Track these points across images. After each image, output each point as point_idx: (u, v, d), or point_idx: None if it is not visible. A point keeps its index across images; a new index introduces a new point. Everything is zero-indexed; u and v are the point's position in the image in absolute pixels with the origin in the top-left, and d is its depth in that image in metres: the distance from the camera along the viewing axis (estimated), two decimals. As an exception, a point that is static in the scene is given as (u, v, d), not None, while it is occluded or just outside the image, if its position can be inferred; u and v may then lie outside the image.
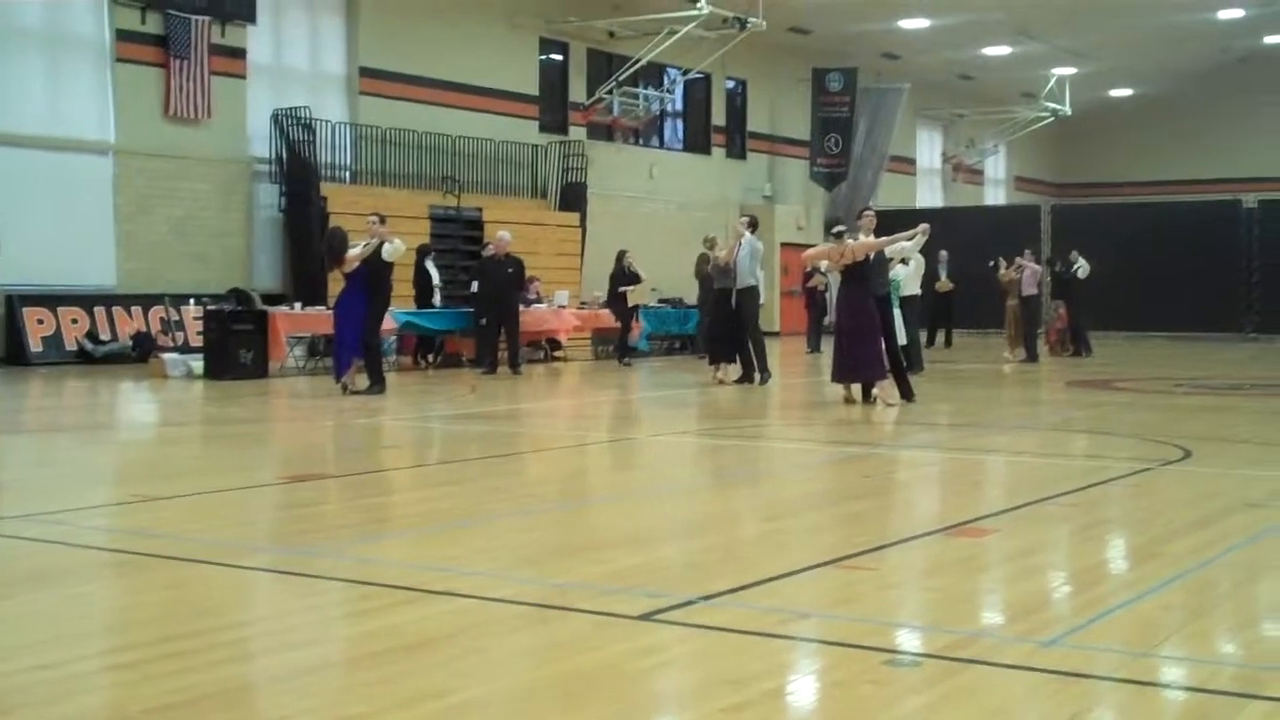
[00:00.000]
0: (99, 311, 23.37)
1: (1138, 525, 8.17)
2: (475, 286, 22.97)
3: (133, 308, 23.76)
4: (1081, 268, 26.46)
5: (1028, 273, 25.36)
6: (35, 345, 22.43)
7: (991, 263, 26.19)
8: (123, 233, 24.06)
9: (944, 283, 29.27)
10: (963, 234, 31.65)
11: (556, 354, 25.86)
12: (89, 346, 22.85)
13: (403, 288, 21.99)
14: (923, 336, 24.81)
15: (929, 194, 48.25)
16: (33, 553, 7.10)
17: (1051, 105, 45.70)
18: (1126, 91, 49.47)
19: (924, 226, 17.12)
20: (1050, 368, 23.90)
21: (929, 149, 48.76)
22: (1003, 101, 47.05)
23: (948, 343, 30.36)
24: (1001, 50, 41.75)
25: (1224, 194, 40.00)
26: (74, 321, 23.01)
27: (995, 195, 51.91)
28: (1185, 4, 36.75)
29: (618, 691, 4.63)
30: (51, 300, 22.82)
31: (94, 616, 5.90)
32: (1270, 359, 27.50)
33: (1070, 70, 44.64)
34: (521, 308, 22.92)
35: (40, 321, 22.63)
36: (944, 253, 28.82)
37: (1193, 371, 22.78)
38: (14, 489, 10.02)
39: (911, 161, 46.73)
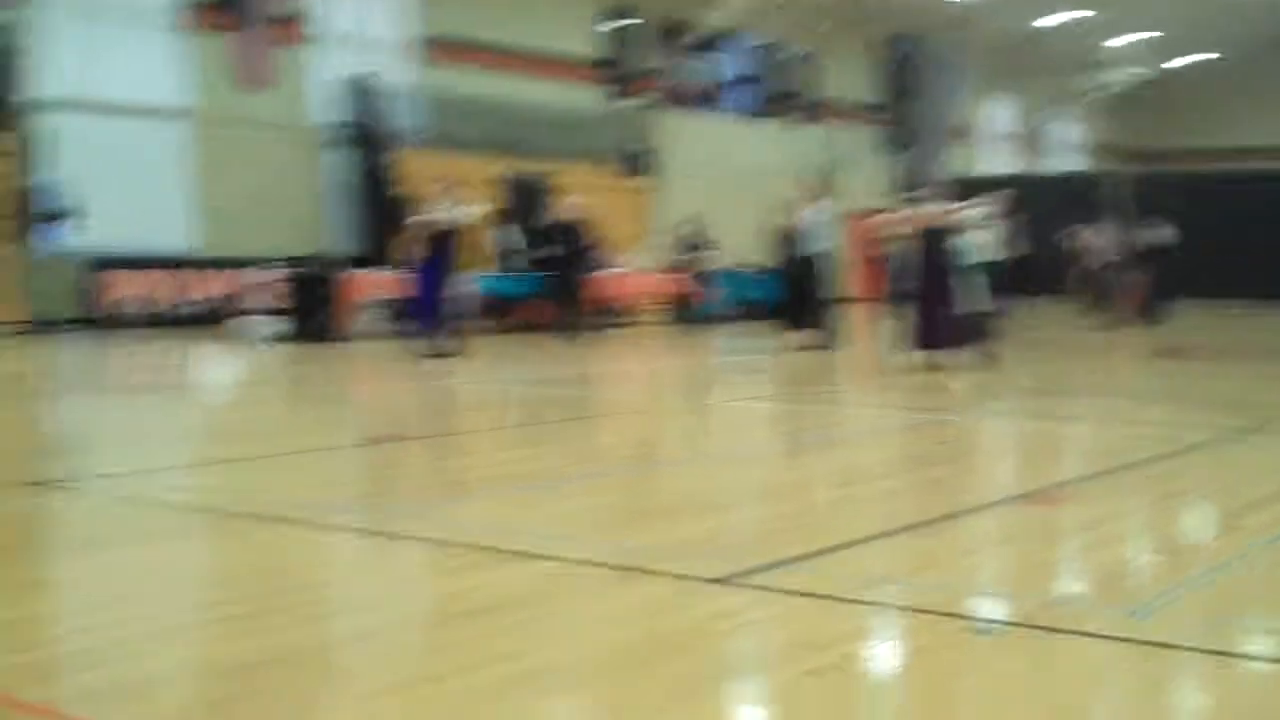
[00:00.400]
0: (179, 275, 23.64)
1: (1218, 495, 8.08)
2: (547, 252, 23.02)
3: (211, 271, 24.01)
4: (1161, 234, 26.15)
5: (1106, 240, 25.11)
6: (117, 308, 22.72)
7: (1068, 230, 25.94)
8: (202, 198, 24.30)
9: (1019, 249, 28.92)
10: (1037, 202, 31.31)
11: (627, 319, 25.87)
12: (169, 310, 23.11)
13: (476, 252, 22.07)
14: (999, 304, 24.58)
15: (1001, 161, 47.78)
16: (118, 511, 7.20)
17: (1130, 70, 45.09)
18: (1207, 56, 48.71)
19: (1000, 194, 16.99)
20: (1129, 335, 23.67)
21: (1001, 116, 48.27)
22: (1076, 67, 46.46)
23: (1024, 310, 30.13)
24: (1077, 14, 41.23)
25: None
26: (155, 285, 23.27)
27: (1068, 163, 51.34)
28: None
29: (697, 654, 4.64)
30: (134, 264, 23.11)
31: (177, 574, 5.97)
32: (1352, 328, 27.09)
33: (1147, 35, 44.01)
34: (592, 273, 22.94)
35: (121, 285, 22.90)
36: (1018, 219, 28.47)
37: (1274, 340, 22.48)
38: (98, 449, 10.17)
39: (983, 128, 46.30)
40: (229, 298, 23.63)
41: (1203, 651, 4.71)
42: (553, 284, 22.58)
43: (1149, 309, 26.71)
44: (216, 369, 17.69)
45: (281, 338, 19.80)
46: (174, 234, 23.93)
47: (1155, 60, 45.54)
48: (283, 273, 21.32)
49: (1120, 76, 45.71)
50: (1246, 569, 5.94)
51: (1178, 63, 47.76)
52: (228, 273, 24.06)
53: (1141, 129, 53.63)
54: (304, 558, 6.19)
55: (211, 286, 23.84)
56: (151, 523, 6.91)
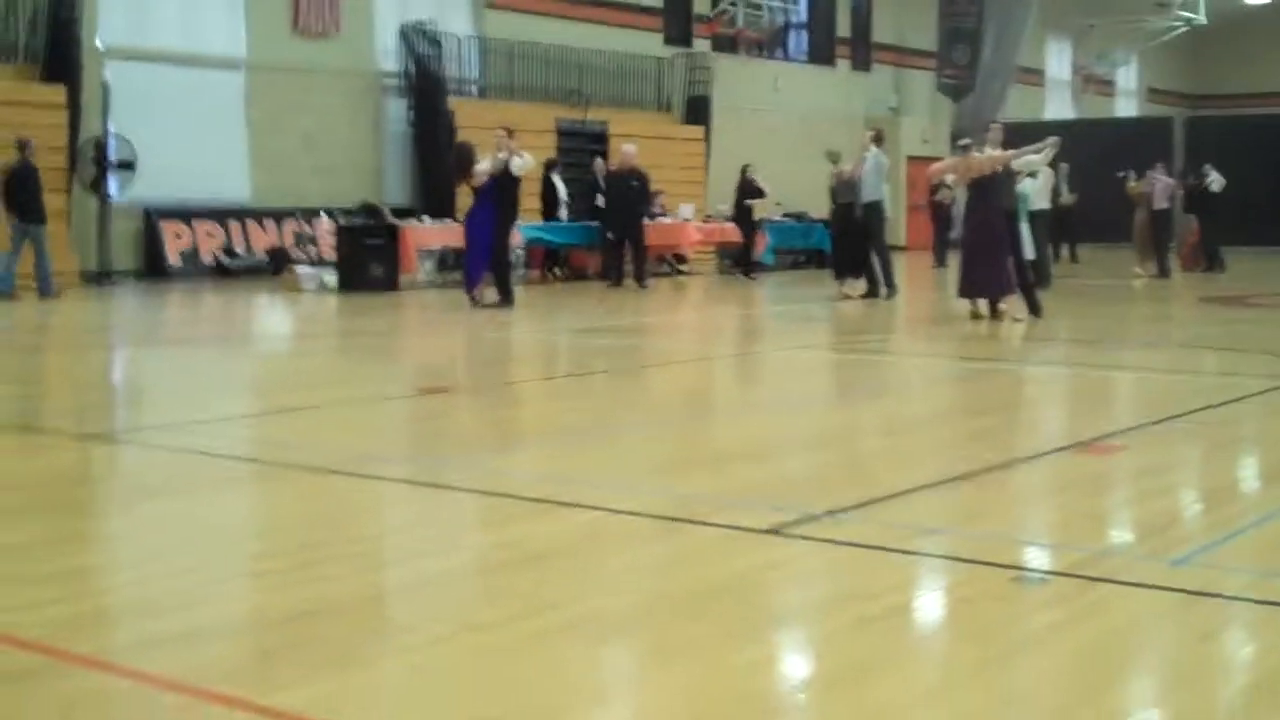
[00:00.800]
0: (234, 225, 23.77)
1: (1271, 444, 8.06)
2: (601, 201, 23.04)
3: (266, 221, 24.14)
4: (1215, 181, 25.88)
5: (1160, 186, 24.88)
6: (173, 259, 22.88)
7: (1121, 174, 25.72)
8: (255, 147, 24.39)
9: (1068, 196, 28.73)
10: (1093, 147, 31.07)
11: (681, 268, 25.87)
12: (225, 260, 23.28)
13: (530, 201, 22.12)
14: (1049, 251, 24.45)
15: (1058, 106, 47.32)
16: (172, 462, 7.30)
17: (1186, 14, 44.47)
18: (1264, -1, 48.01)
19: (1054, 139, 16.83)
20: (1182, 283, 23.49)
21: (1058, 60, 47.76)
22: (1135, 10, 45.84)
23: (1073, 258, 29.91)
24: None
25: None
26: (210, 235, 23.44)
27: (1127, 107, 50.78)
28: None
29: (745, 603, 4.68)
30: (188, 214, 23.25)
31: (230, 525, 6.05)
32: None
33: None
34: (646, 222, 22.94)
35: (177, 236, 23.07)
36: (1065, 165, 28.19)
37: (1331, 287, 22.27)
38: (153, 400, 10.29)
39: (1040, 73, 45.84)
40: (286, 247, 23.76)
41: (1248, 601, 4.71)
42: (605, 233, 22.59)
43: (1204, 255, 26.47)
44: (271, 319, 17.83)
45: (336, 287, 19.90)
46: (232, 184, 24.02)
47: (1214, 3, 44.85)
48: (339, 222, 21.41)
49: (1175, 21, 45.05)
50: (1296, 519, 5.93)
51: (1232, 6, 47.04)
52: (285, 222, 24.19)
53: (1199, 74, 52.96)
54: (354, 508, 6.26)
55: (269, 236, 23.98)
56: (203, 473, 6.99)
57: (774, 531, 5.51)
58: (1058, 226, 27.96)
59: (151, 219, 22.85)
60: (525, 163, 17.47)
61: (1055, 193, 23.18)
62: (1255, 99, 48.12)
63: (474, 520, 6.07)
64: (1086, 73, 47.22)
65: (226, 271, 23.06)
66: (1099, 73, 47.48)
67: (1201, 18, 44.70)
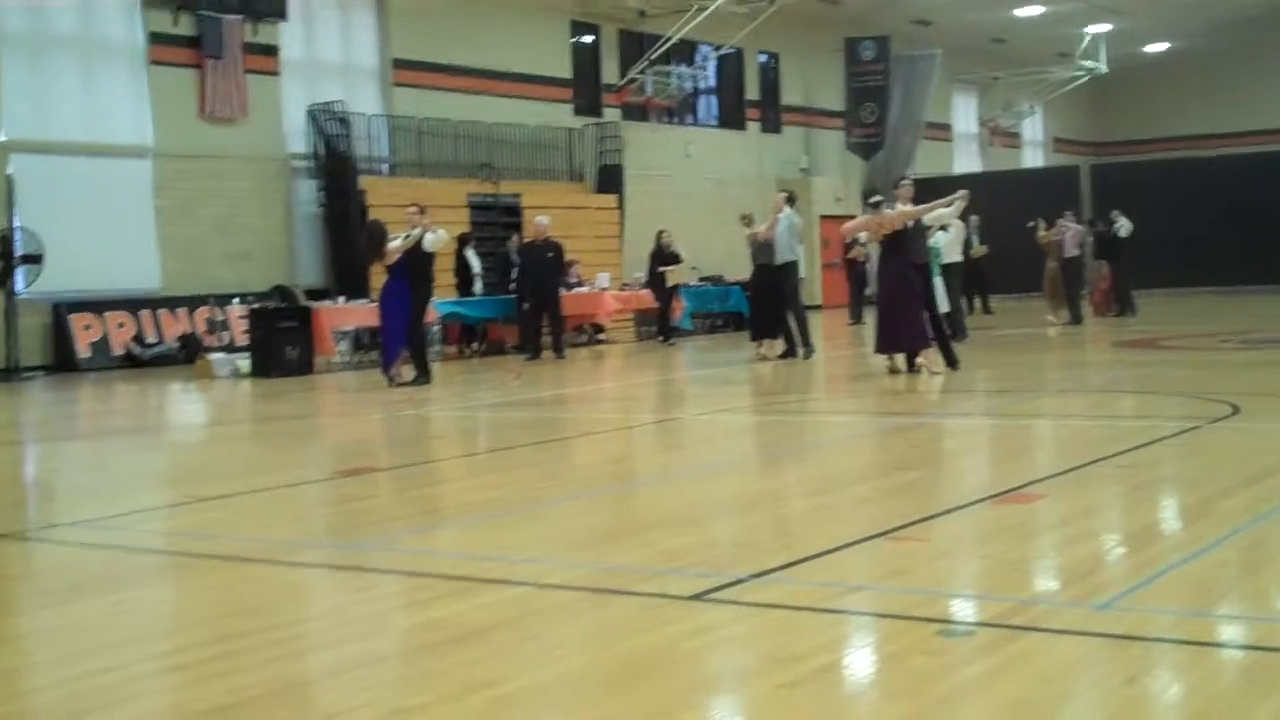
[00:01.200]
0: (145, 315, 23.53)
1: (1189, 484, 8.13)
2: (517, 273, 23.03)
3: (178, 309, 23.92)
4: (1123, 227, 26.28)
5: (1069, 234, 25.21)
6: (83, 351, 22.60)
7: (1031, 223, 26.04)
8: (165, 235, 24.20)
9: (979, 248, 29.06)
10: (1002, 198, 31.46)
11: (599, 337, 25.88)
12: (136, 350, 23.03)
13: (444, 277, 22.06)
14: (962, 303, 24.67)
15: (967, 159, 47.93)
16: (88, 558, 7.18)
17: (1087, 64, 45.24)
18: (1163, 46, 48.93)
19: (963, 193, 17.04)
20: (1095, 329, 23.77)
21: (965, 114, 48.42)
22: (1037, 62, 46.61)
23: (986, 309, 30.20)
24: (1034, 10, 41.40)
25: (1265, 145, 39.65)
26: (120, 326, 23.19)
27: (1034, 158, 51.52)
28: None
29: (672, 673, 4.65)
30: (97, 306, 22.99)
31: (151, 620, 5.95)
32: (1319, 310, 27.24)
33: (1105, 27, 44.21)
34: (563, 291, 22.96)
35: (87, 327, 22.80)
36: (975, 218, 28.50)
37: (1239, 326, 22.60)
38: (68, 495, 10.13)
39: (947, 128, 46.45)
40: (197, 335, 23.54)
41: (1173, 641, 4.73)
42: (521, 305, 22.56)
43: (1116, 300, 26.81)
44: (186, 408, 17.64)
45: (250, 373, 19.73)
46: (143, 273, 23.80)
47: (1115, 52, 45.64)
48: (251, 307, 21.26)
49: (1077, 71, 45.76)
50: (1219, 556, 5.97)
51: (1133, 54, 47.95)
52: (198, 309, 23.97)
53: (1103, 122, 53.85)
54: (274, 596, 6.17)
55: (181, 324, 23.75)
56: (120, 568, 6.87)
57: (700, 598, 5.49)
58: (970, 278, 28.25)
59: (60, 312, 22.58)
60: (439, 238, 17.44)
61: (967, 245, 23.46)
62: (1157, 144, 49.06)
63: (398, 602, 5.99)
64: (993, 125, 47.89)
65: (139, 361, 22.81)
66: (1005, 125, 48.17)
67: (1102, 67, 45.51)
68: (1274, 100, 48.56)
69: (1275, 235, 35.36)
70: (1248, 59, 48.81)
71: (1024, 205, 29.12)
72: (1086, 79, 46.45)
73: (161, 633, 5.73)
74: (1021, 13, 41.62)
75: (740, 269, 22.40)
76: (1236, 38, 46.89)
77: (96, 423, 16.22)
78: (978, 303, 29.91)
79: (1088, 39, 44.59)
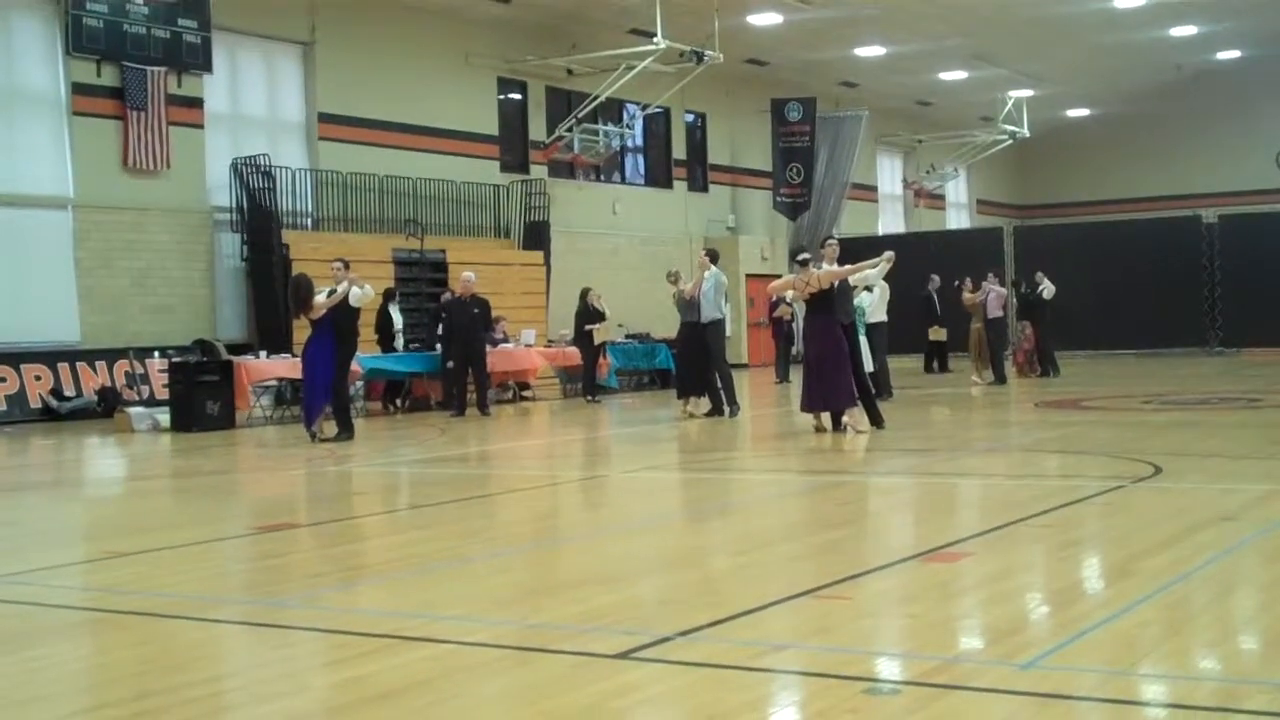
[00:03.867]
0: (63, 367, 23.22)
1: (1112, 543, 8.17)
2: (442, 329, 22.93)
3: (97, 362, 23.62)
4: (1046, 288, 26.58)
5: (993, 295, 25.43)
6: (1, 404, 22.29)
7: (956, 282, 26.26)
8: (84, 287, 23.94)
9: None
10: (927, 259, 31.73)
11: (525, 394, 25.81)
12: (53, 403, 22.71)
13: (367, 332, 21.93)
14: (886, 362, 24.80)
15: (892, 220, 48.42)
16: (2, 615, 7.02)
17: (1009, 128, 45.87)
18: (1083, 111, 49.75)
19: (888, 254, 17.19)
20: (1018, 389, 23.95)
21: (890, 175, 48.94)
22: (961, 125, 47.23)
23: (913, 367, 30.37)
24: (958, 75, 41.99)
25: (1183, 210, 40.29)
26: (37, 378, 22.87)
27: (958, 219, 52.10)
28: (1138, 23, 37.01)
29: (597, 732, 4.59)
30: (13, 358, 22.66)
31: (66, 677, 5.81)
32: (1236, 372, 27.61)
33: (1027, 92, 44.89)
34: (488, 348, 22.88)
35: (3, 380, 22.48)
36: (894, 282, 28.71)
37: (1160, 387, 22.86)
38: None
39: (873, 188, 46.89)
40: (116, 389, 23.25)
41: (1096, 700, 4.73)
42: (446, 361, 22.45)
43: (1039, 361, 27.04)
44: (103, 462, 17.39)
45: (170, 427, 19.51)
46: (61, 325, 23.53)
47: (1037, 116, 46.29)
48: (171, 361, 21.03)
49: (1000, 135, 46.31)
50: (1142, 615, 5.98)
51: (1054, 119, 48.70)
52: (117, 362, 23.70)
53: (1026, 185, 54.56)
54: (191, 653, 6.06)
55: (100, 377, 23.45)
56: (33, 625, 6.73)
57: (625, 656, 5.44)
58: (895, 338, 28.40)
59: (-22, 363, 22.26)
60: (365, 293, 17.34)
61: (891, 305, 23.62)
62: (1077, 207, 49.80)
63: (317, 660, 5.90)
64: (917, 187, 48.38)
65: (56, 415, 22.49)
66: (929, 187, 48.67)
67: (1025, 130, 46.15)
68: (1189, 166, 49.47)
69: (1193, 299, 35.87)
70: (1164, 125, 49.75)
71: (949, 267, 29.42)
72: (1009, 142, 47.07)
73: (76, 690, 5.61)
74: (946, 76, 42.21)
75: (667, 326, 22.42)
76: (1153, 105, 47.81)
77: (10, 476, 15.93)
78: (904, 361, 30.12)
79: (1010, 103, 45.22)
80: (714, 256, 20.05)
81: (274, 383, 21.58)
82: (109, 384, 23.42)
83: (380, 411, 23.33)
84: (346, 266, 17.39)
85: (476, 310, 22.10)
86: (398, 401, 23.85)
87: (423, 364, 23.55)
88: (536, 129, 33.42)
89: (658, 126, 37.76)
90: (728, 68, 33.93)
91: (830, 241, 17.27)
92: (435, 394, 23.54)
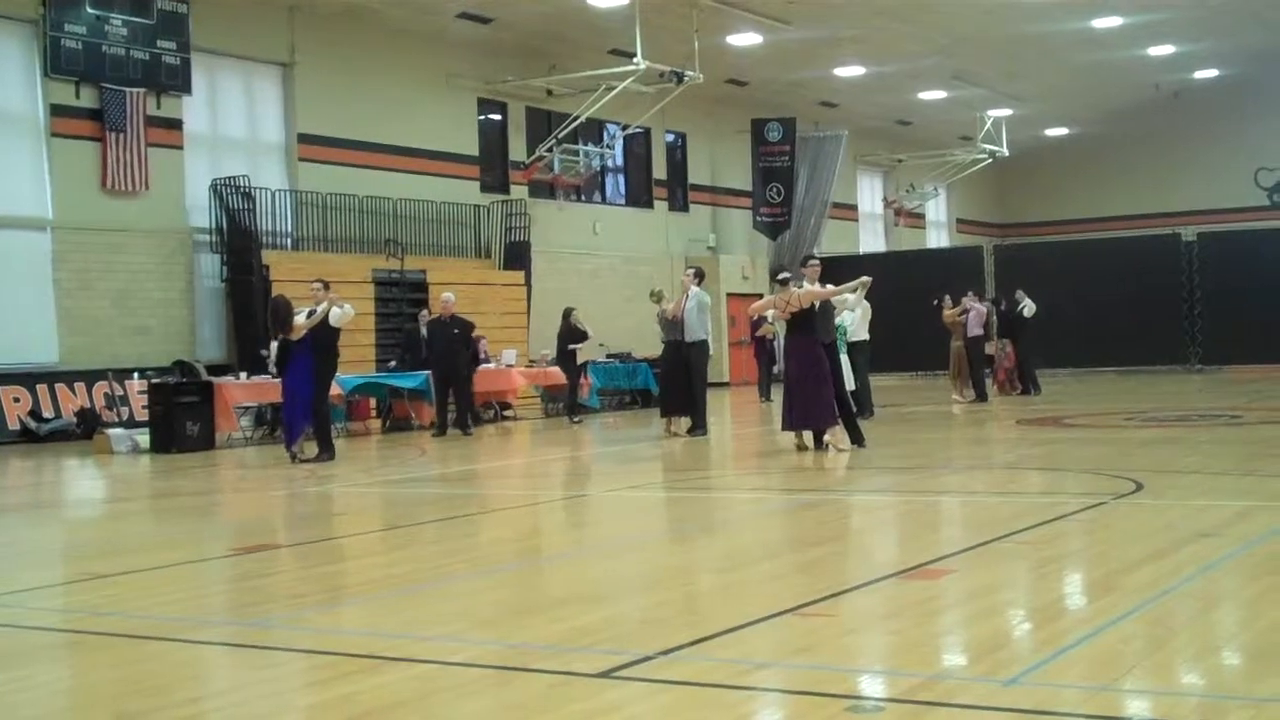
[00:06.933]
0: (41, 389, 23.14)
1: (1094, 560, 8.18)
2: (424, 349, 22.90)
3: (76, 384, 23.54)
4: (1027, 306, 26.64)
5: (973, 313, 25.47)
6: (-20, 425, 22.21)
7: (936, 301, 26.31)
8: (63, 308, 23.87)
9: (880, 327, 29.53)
10: (908, 278, 31.81)
11: (506, 414, 25.77)
12: (32, 425, 22.63)
13: (349, 352, 21.89)
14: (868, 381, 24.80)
15: (872, 239, 48.53)
16: (-19, 636, 6.98)
17: (989, 147, 46.00)
18: (1062, 131, 49.94)
19: (865, 279, 17.27)
20: (999, 407, 23.98)
21: (870, 194, 49.05)
22: (941, 145, 47.39)
23: (895, 385, 30.39)
24: (937, 94, 42.13)
25: (1163, 228, 40.49)
26: (16, 400, 22.79)
27: (937, 238, 52.24)
28: (1117, 42, 37.18)
29: (580, 751, 4.57)
30: (-1, 379, 22.61)
31: (45, 699, 5.77)
32: (1216, 389, 27.70)
33: (1006, 112, 45.05)
34: (471, 368, 22.83)
35: (-15, 401, 22.42)
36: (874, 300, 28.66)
37: (1141, 405, 22.91)
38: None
39: (853, 207, 47.01)
40: (95, 410, 23.18)
41: (1079, 716, 4.73)
42: (430, 381, 22.42)
43: (1020, 379, 27.08)
44: (83, 484, 17.32)
45: (150, 449, 19.44)
46: (40, 346, 23.46)
47: (1016, 135, 46.44)
48: (151, 382, 20.97)
49: (980, 154, 46.44)
50: (1124, 631, 5.99)
51: (1033, 138, 48.89)
52: (96, 384, 23.62)
53: (1005, 203, 54.74)
54: (172, 675, 6.02)
55: (79, 399, 23.38)
56: (13, 647, 6.69)
57: (607, 675, 5.43)
58: (877, 357, 28.40)
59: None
60: (345, 313, 17.31)
61: (873, 324, 23.64)
62: (1056, 226, 49.99)
63: (299, 681, 5.87)
64: (897, 206, 48.48)
65: (35, 437, 22.42)
66: (909, 206, 48.76)
67: (1004, 150, 46.28)
68: (1168, 184, 49.69)
69: (1172, 316, 36.02)
70: (1143, 144, 49.97)
71: (929, 285, 29.47)
72: (989, 162, 47.21)
73: (55, 712, 5.58)
74: (925, 96, 42.34)
75: (648, 346, 22.42)
76: (1132, 124, 48.00)
77: (-9, 499, 15.87)
78: (886, 379, 30.10)
79: (989, 123, 45.35)
80: (700, 275, 20.07)
81: (254, 404, 21.51)
82: (88, 405, 23.35)
83: (362, 431, 23.18)
84: (326, 287, 17.36)
85: (457, 330, 22.07)
86: (382, 420, 23.78)
87: (407, 384, 23.41)
88: (517, 149, 33.43)
89: (638, 147, 37.81)
90: (708, 88, 33.99)
91: (812, 261, 17.33)
92: (419, 415, 23.46)
